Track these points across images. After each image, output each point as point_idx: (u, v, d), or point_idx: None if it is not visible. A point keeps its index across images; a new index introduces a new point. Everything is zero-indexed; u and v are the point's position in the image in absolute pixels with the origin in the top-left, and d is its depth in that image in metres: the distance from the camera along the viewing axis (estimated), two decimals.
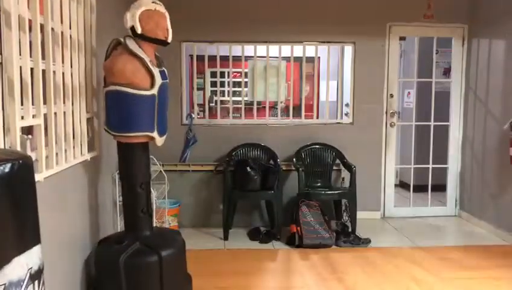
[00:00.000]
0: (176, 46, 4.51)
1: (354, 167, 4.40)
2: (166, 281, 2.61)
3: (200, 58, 4.84)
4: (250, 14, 4.66)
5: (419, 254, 3.88)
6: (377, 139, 4.91)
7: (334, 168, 4.73)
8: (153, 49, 2.71)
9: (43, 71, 2.21)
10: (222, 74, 5.22)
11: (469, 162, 4.90)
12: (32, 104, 2.07)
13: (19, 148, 1.89)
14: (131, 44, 2.59)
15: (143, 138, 2.68)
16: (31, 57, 2.07)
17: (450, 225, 4.87)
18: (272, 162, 4.56)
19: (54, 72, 2.33)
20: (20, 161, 1.27)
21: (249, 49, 4.75)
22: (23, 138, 2.01)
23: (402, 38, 5.24)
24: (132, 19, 2.57)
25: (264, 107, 4.95)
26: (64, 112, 2.49)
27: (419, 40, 5.05)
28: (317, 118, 6.02)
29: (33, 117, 2.07)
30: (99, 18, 3.01)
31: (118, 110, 2.60)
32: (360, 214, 4.47)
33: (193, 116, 4.73)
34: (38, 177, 2.04)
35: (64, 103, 2.48)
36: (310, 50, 4.86)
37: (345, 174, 4.71)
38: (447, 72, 5.59)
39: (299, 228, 4.09)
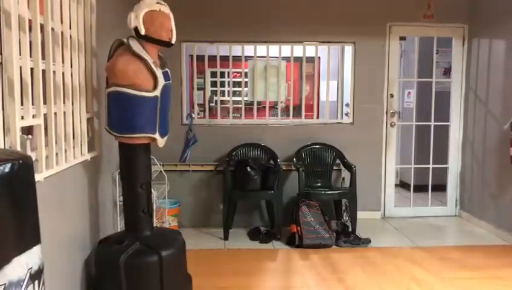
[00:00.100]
0: (176, 46, 4.48)
1: (354, 166, 4.40)
2: (166, 281, 2.61)
3: (200, 58, 4.84)
4: (250, 14, 4.66)
5: (419, 254, 3.88)
6: (377, 139, 4.91)
7: (334, 168, 4.73)
8: (156, 50, 2.69)
9: (43, 71, 2.21)
10: (222, 74, 5.21)
11: (469, 162, 4.90)
12: (32, 104, 2.07)
13: (19, 148, 1.89)
14: (135, 45, 2.57)
15: (145, 139, 2.68)
16: (31, 57, 2.07)
17: (450, 225, 4.87)
18: (272, 162, 4.56)
19: (54, 72, 2.33)
20: (20, 161, 1.27)
21: (249, 49, 4.75)
22: (23, 138, 2.01)
23: (402, 38, 5.23)
24: (136, 19, 2.55)
25: (264, 107, 4.95)
26: (64, 112, 2.49)
27: (420, 40, 5.05)
28: (318, 118, 6.03)
29: (33, 117, 2.07)
30: (99, 18, 3.00)
31: (119, 111, 2.58)
32: (360, 214, 4.46)
33: (193, 116, 4.73)
34: (38, 177, 2.04)
35: (64, 103, 2.48)
36: (310, 50, 4.86)
37: (345, 174, 4.71)
38: (447, 72, 5.58)
39: (299, 228, 4.09)
